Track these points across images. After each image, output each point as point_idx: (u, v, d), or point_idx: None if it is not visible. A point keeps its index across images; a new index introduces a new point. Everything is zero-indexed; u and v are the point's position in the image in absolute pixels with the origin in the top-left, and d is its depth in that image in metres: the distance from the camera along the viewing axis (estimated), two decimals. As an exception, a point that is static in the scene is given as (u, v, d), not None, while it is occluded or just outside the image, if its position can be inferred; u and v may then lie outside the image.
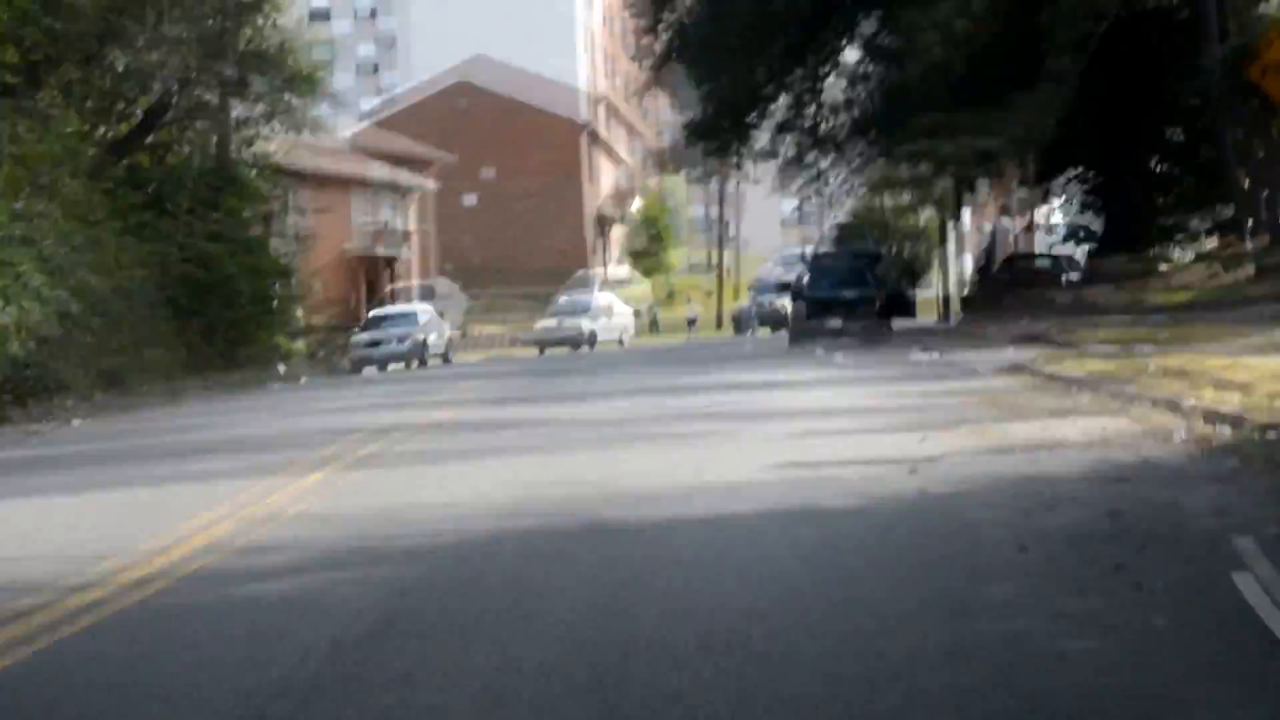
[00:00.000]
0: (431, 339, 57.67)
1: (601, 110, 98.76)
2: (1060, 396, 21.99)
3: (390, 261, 77.08)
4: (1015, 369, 30.15)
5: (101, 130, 45.54)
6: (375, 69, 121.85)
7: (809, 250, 75.77)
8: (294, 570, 10.75)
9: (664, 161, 59.89)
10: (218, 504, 14.58)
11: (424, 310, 59.59)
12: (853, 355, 40.47)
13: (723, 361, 40.32)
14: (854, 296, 46.94)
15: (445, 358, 58.93)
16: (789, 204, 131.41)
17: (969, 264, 72.70)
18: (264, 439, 23.00)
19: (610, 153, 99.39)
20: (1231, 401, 17.25)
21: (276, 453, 20.07)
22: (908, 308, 52.46)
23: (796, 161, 58.18)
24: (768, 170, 61.01)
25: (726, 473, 14.63)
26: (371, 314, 60.27)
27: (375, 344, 56.11)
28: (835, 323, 46.52)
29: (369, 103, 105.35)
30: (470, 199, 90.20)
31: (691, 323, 76.06)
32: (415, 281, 66.15)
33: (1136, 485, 12.44)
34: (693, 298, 79.39)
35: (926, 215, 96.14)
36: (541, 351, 66.77)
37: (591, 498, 13.40)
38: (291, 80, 51.26)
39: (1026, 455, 14.77)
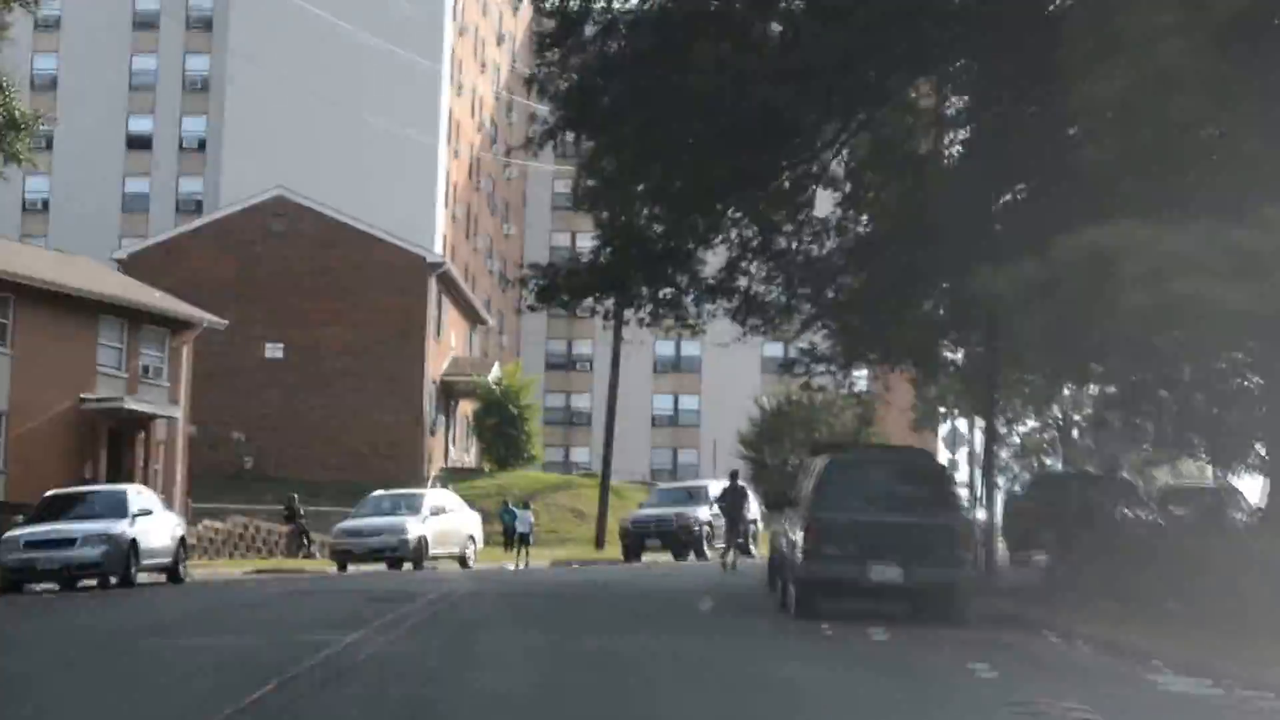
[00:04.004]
0: (148, 539, 32.76)
1: (452, 267, 74.78)
2: None
3: (146, 422, 51.90)
4: None
5: None
6: (199, 207, 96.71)
7: (708, 485, 51.50)
8: None
9: (520, 295, 35.63)
10: None
11: (138, 493, 34.59)
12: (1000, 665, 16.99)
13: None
14: (926, 524, 23.17)
15: (173, 572, 33.98)
16: (663, 399, 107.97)
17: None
18: None
19: (460, 305, 74.88)
20: None
21: None
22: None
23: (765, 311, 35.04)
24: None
25: None
26: (50, 494, 34.95)
27: (46, 544, 31.12)
28: (890, 571, 22.72)
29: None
30: (274, 350, 65.26)
31: (524, 538, 48.53)
32: (94, 487, 37.41)
33: None
34: (529, 500, 53.63)
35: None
36: (343, 567, 41.99)
37: None
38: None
39: None
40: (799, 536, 23.90)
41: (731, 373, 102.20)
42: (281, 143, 79.31)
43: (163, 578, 33.86)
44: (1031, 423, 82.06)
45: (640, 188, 32.42)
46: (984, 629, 22.81)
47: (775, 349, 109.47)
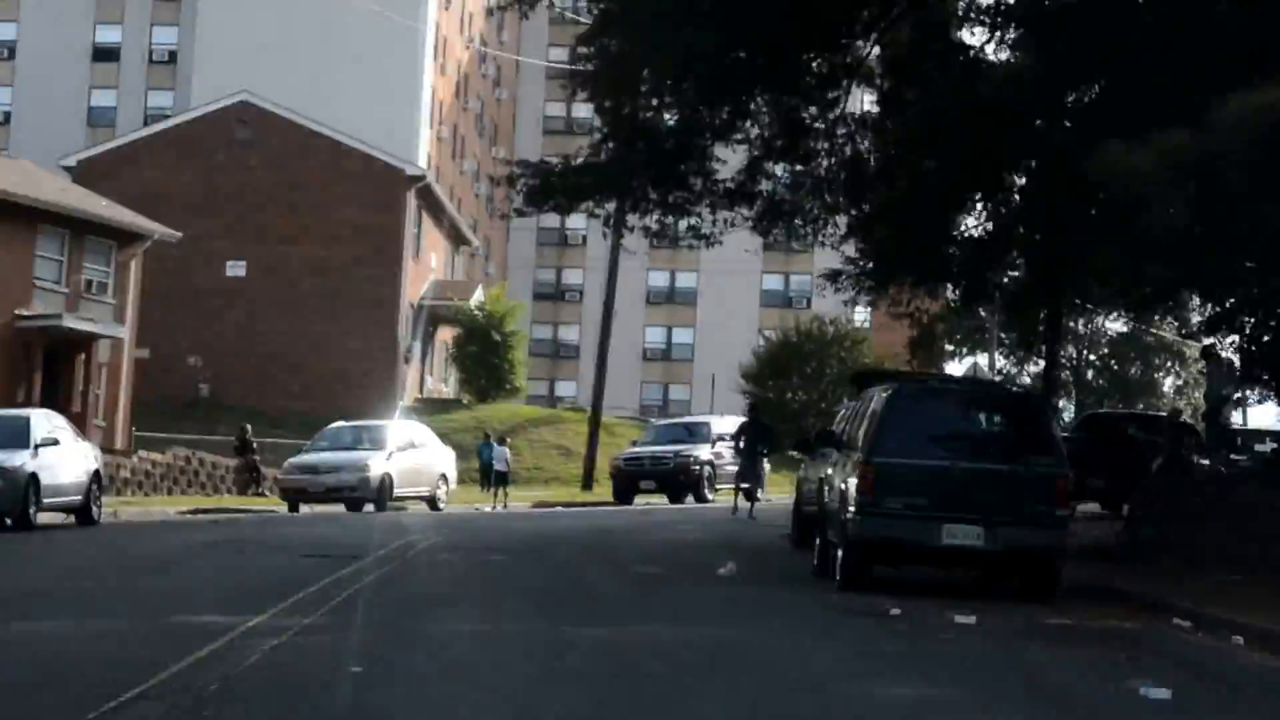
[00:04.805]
0: (53, 474, 27.27)
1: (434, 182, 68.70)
2: None
3: (88, 342, 46.39)
4: None
5: None
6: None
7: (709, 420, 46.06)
8: None
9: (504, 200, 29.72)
10: None
11: (44, 419, 28.92)
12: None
13: None
14: (1017, 473, 17.92)
15: (84, 512, 28.44)
16: (655, 331, 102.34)
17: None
18: None
19: (445, 226, 69.14)
20: None
21: None
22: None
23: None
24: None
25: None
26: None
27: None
28: (969, 532, 17.52)
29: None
30: (236, 268, 59.56)
31: (502, 477, 43.16)
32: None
33: None
34: (507, 435, 47.50)
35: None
36: (294, 508, 36.63)
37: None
38: None
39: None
40: (850, 485, 18.49)
41: (729, 305, 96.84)
42: (256, 57, 72.90)
43: (72, 519, 28.33)
44: (1040, 362, 77.02)
45: (648, 71, 27.07)
46: (1086, 609, 17.57)
47: (775, 281, 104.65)
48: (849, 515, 18.29)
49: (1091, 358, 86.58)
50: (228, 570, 18.67)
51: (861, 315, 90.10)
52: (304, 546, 21.68)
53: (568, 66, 31.73)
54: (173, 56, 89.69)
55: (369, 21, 73.28)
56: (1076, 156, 19.24)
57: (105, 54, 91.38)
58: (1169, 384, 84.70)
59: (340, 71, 72.72)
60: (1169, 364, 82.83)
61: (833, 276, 28.55)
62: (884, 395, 18.92)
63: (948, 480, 18.02)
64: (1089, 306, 34.29)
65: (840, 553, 18.67)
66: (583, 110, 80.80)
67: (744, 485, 35.12)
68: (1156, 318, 36.10)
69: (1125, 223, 19.34)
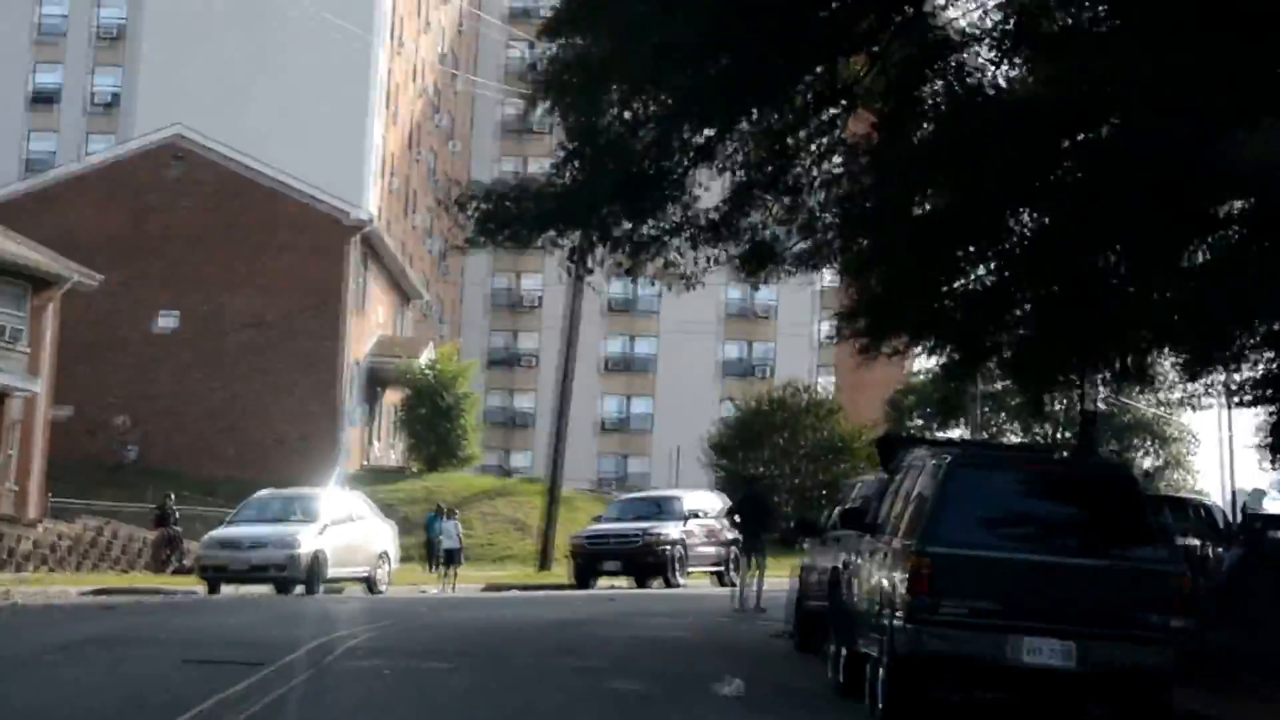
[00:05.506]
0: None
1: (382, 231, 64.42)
2: None
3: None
4: None
5: None
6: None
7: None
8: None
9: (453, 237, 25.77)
10: None
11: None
12: None
13: None
14: (1117, 569, 13.71)
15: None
16: (612, 401, 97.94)
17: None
18: None
19: (391, 279, 64.91)
20: None
21: None
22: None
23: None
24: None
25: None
26: None
27: None
28: (1054, 648, 13.24)
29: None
30: (167, 319, 55.11)
31: (451, 556, 38.71)
32: None
33: None
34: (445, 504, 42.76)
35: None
36: (214, 588, 32.12)
37: None
38: None
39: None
40: (896, 582, 14.19)
41: (688, 373, 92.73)
42: (198, 103, 68.61)
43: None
44: (1016, 438, 73.05)
45: (617, 75, 22.95)
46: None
47: (736, 348, 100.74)
48: (896, 621, 13.98)
49: (1067, 434, 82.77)
50: (86, 686, 14.23)
51: (826, 385, 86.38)
52: (197, 647, 17.22)
53: (526, 92, 27.95)
54: (114, 100, 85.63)
55: (318, 69, 69.53)
56: (1185, 152, 15.15)
57: (44, 98, 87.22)
58: (1147, 463, 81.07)
59: (288, 122, 68.69)
60: (1149, 443, 79.07)
61: (849, 316, 24.35)
62: (937, 466, 14.63)
63: (1026, 578, 13.79)
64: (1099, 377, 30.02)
65: (882, 670, 14.35)
66: (540, 165, 77.48)
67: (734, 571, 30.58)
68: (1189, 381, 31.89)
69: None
